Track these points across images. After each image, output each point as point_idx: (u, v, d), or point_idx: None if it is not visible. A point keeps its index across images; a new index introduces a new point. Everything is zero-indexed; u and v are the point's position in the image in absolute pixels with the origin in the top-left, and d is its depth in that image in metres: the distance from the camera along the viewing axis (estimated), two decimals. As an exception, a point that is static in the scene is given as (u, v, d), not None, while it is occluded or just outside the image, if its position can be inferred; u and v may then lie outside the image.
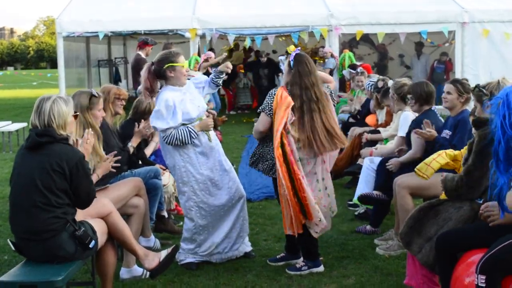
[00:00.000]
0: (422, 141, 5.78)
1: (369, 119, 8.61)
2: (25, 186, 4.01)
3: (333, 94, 5.34)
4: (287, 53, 14.09)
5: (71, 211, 4.10)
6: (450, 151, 4.90)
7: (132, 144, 5.92)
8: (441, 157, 4.89)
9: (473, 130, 4.76)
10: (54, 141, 4.03)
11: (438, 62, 16.54)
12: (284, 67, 5.38)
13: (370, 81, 8.80)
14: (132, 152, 5.90)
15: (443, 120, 6.08)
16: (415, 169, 4.99)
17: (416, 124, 5.89)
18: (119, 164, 4.97)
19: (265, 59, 16.61)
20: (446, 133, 5.53)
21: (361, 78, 10.16)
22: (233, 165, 9.66)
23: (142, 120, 6.16)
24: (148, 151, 6.49)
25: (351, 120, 9.40)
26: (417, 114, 6.10)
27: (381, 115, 8.15)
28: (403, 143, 6.26)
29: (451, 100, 5.57)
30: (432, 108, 6.01)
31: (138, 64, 11.20)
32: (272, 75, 17.08)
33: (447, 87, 5.65)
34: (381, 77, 8.58)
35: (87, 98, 5.02)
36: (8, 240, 4.24)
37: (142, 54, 11.31)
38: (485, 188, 4.18)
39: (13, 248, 4.12)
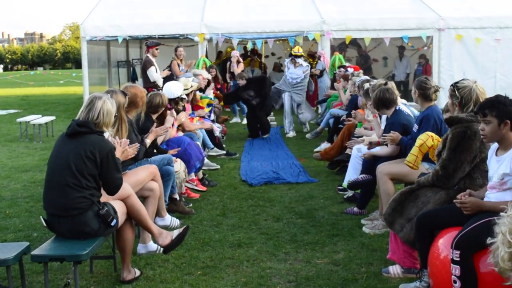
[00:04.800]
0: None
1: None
2: (61, 167, 4.04)
3: None
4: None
5: (97, 194, 4.13)
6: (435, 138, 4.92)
7: (148, 140, 5.92)
8: (419, 140, 4.92)
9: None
10: (91, 132, 4.09)
11: (418, 65, 16.78)
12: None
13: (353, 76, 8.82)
14: (148, 146, 5.90)
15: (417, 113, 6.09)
16: (405, 162, 5.01)
17: (387, 127, 5.89)
18: (134, 155, 4.91)
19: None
20: (415, 127, 5.51)
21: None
22: (236, 154, 9.78)
23: (156, 120, 6.23)
24: (160, 139, 6.49)
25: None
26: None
27: (368, 111, 8.09)
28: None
29: (414, 98, 5.55)
30: (397, 108, 5.98)
31: (144, 65, 11.40)
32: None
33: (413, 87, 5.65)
34: (365, 78, 8.55)
35: (124, 97, 5.05)
36: (40, 217, 4.25)
37: (150, 55, 11.38)
38: (459, 179, 4.20)
39: (44, 224, 4.13)
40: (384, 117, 6.41)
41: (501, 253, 2.56)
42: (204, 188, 7.34)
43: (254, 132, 11.66)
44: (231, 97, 12.73)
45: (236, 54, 14.37)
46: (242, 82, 11.53)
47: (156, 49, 11.63)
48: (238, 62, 14.11)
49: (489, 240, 2.62)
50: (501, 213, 2.60)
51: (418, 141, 4.96)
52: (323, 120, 10.80)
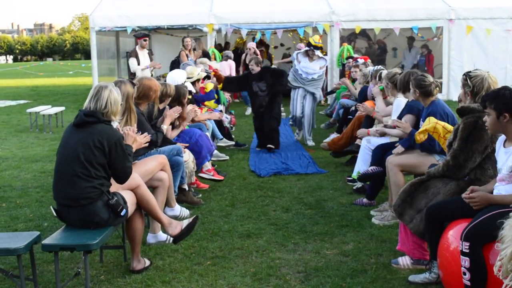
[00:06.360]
0: (411, 125, 5.74)
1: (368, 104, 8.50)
2: (69, 157, 4.04)
3: None
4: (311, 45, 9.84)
5: (107, 183, 4.14)
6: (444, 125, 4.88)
7: (165, 125, 5.93)
8: (427, 121, 4.91)
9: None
10: (99, 122, 4.09)
11: (420, 55, 16.75)
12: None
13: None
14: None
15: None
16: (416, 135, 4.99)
17: (408, 108, 5.86)
18: (147, 144, 4.94)
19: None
20: (421, 124, 5.46)
21: (356, 70, 10.04)
22: (245, 144, 9.77)
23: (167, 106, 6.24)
24: (174, 133, 6.49)
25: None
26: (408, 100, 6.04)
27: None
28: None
29: (415, 98, 5.49)
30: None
31: (129, 55, 11.69)
32: None
33: None
34: (378, 67, 8.49)
35: (132, 87, 5.06)
36: (50, 207, 4.27)
37: (138, 47, 11.48)
38: (470, 169, 4.18)
39: (54, 214, 4.14)
40: (396, 103, 6.39)
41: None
42: (221, 177, 7.36)
43: (261, 141, 9.48)
44: (236, 84, 10.00)
45: (252, 45, 14.07)
46: (256, 69, 9.23)
47: (144, 41, 11.72)
48: (255, 53, 13.38)
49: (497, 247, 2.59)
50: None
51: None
52: (333, 111, 10.76)
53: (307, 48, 9.81)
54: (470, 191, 3.76)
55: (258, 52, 13.81)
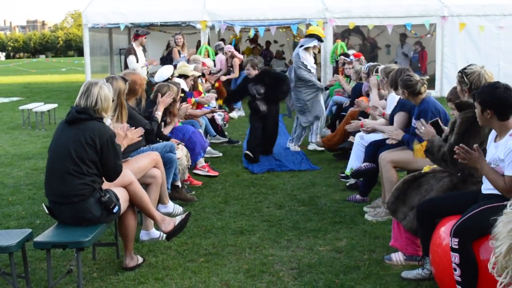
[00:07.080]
0: (403, 122, 5.75)
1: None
2: (61, 154, 4.03)
3: None
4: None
5: (99, 180, 4.13)
6: None
7: (159, 112, 5.92)
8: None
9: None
10: (91, 119, 4.08)
11: (414, 52, 16.80)
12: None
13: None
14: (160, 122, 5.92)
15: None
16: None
17: (400, 105, 5.86)
18: (140, 139, 4.93)
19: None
20: (414, 122, 5.45)
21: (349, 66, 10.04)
22: (238, 141, 9.76)
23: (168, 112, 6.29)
24: (166, 130, 6.48)
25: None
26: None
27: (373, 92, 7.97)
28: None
29: (405, 98, 5.50)
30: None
31: (126, 52, 11.49)
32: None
33: None
34: (372, 63, 8.49)
35: (124, 83, 5.03)
36: (42, 204, 4.26)
37: (135, 45, 11.38)
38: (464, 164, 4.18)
39: (46, 212, 4.13)
40: (390, 98, 6.40)
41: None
42: (216, 173, 7.34)
43: (253, 149, 8.35)
44: (238, 94, 9.50)
45: (230, 49, 13.25)
46: (253, 72, 8.63)
47: (145, 38, 11.67)
48: (232, 57, 12.92)
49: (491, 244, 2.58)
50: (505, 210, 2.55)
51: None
52: (326, 108, 10.75)
53: (316, 44, 8.87)
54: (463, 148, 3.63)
55: (236, 54, 13.11)
